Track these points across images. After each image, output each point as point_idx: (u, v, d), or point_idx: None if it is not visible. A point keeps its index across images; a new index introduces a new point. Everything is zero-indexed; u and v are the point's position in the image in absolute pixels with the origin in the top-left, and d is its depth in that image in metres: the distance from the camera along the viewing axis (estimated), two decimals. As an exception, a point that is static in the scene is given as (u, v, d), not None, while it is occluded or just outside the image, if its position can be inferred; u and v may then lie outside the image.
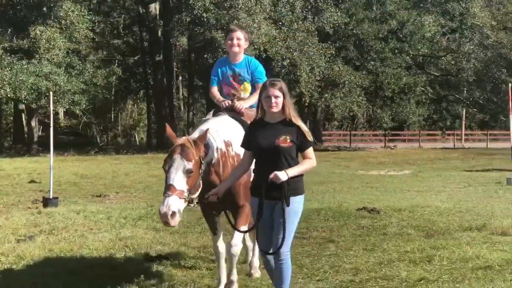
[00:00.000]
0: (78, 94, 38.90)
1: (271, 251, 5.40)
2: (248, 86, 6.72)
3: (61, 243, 9.99)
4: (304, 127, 5.31)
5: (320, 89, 41.34)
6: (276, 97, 5.18)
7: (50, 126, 17.49)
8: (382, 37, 43.92)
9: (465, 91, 55.89)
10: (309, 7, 42.04)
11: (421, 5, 49.29)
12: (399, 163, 31.42)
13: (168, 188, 5.22)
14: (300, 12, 40.87)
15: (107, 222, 12.42)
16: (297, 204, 5.34)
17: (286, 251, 5.37)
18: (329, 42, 41.59)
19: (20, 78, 34.48)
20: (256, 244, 6.71)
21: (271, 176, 5.10)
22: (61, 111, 49.02)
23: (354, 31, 42.93)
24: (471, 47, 47.79)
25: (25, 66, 35.19)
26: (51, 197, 14.89)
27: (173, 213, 5.09)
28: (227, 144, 5.96)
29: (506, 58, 48.69)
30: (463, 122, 60.39)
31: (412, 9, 46.60)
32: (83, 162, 30.91)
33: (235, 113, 6.30)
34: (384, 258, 8.47)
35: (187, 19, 40.96)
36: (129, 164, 30.09)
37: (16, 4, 38.21)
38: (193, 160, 5.30)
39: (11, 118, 52.90)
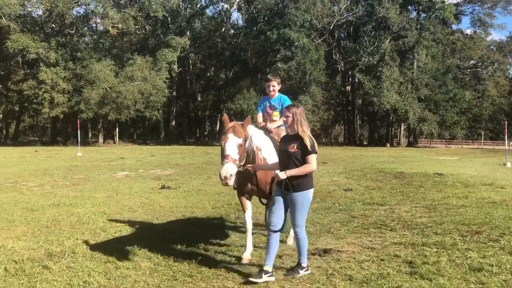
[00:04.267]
0: (316, 122, 55.56)
1: (277, 229, 4.89)
2: (277, 114, 6.24)
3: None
4: (307, 140, 4.79)
5: (417, 121, 53.56)
6: (287, 116, 4.92)
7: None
8: (446, 100, 55.06)
9: (483, 123, 66.56)
10: (415, 88, 54.05)
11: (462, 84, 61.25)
12: (452, 154, 35.52)
13: (226, 157, 4.83)
14: (410, 89, 54.01)
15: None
16: (300, 198, 4.81)
17: (297, 228, 4.93)
18: (421, 102, 53.72)
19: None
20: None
21: (274, 174, 4.86)
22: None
23: (434, 98, 54.57)
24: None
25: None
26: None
27: (231, 175, 4.73)
28: (258, 149, 5.42)
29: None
30: (482, 136, 65.80)
31: (460, 89, 57.96)
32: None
33: (266, 131, 5.85)
34: (445, 195, 10.18)
35: (361, 92, 56.78)
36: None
37: (293, 83, 53.30)
38: (242, 137, 5.00)
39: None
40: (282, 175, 4.75)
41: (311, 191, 4.97)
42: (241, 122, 5.18)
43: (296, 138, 4.87)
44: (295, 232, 5.02)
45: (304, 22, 53.10)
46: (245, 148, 5.13)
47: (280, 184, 4.83)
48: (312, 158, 4.82)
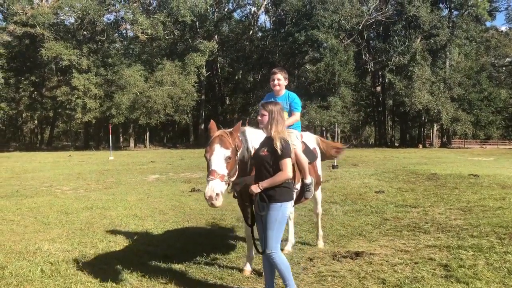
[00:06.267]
0: (346, 124, 54.73)
1: (261, 251, 4.29)
2: (285, 115, 5.17)
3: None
4: (278, 142, 4.11)
5: (451, 121, 51.94)
6: (262, 115, 4.29)
7: (337, 134, 32.02)
8: (481, 100, 53.37)
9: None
10: (447, 88, 52.66)
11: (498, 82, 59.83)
12: (487, 155, 33.87)
13: (211, 173, 4.12)
14: (443, 88, 52.43)
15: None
16: (275, 211, 4.11)
17: (269, 251, 4.12)
18: (454, 102, 52.11)
19: (323, 117, 49.19)
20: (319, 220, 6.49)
21: (249, 189, 4.16)
22: (339, 130, 59.65)
23: (468, 97, 52.66)
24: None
25: (325, 112, 49.60)
26: (335, 164, 18.30)
27: (217, 195, 4.02)
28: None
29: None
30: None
31: (495, 87, 56.59)
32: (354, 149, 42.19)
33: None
34: (481, 197, 9.99)
35: (392, 92, 55.65)
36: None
37: (322, 85, 51.82)
38: (230, 148, 4.25)
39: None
40: (256, 188, 4.13)
41: (288, 205, 4.21)
42: (230, 130, 4.45)
43: (269, 140, 4.26)
44: (268, 257, 4.18)
45: (333, 23, 52.78)
46: (236, 160, 4.37)
47: (259, 197, 4.17)
48: (286, 163, 4.12)
